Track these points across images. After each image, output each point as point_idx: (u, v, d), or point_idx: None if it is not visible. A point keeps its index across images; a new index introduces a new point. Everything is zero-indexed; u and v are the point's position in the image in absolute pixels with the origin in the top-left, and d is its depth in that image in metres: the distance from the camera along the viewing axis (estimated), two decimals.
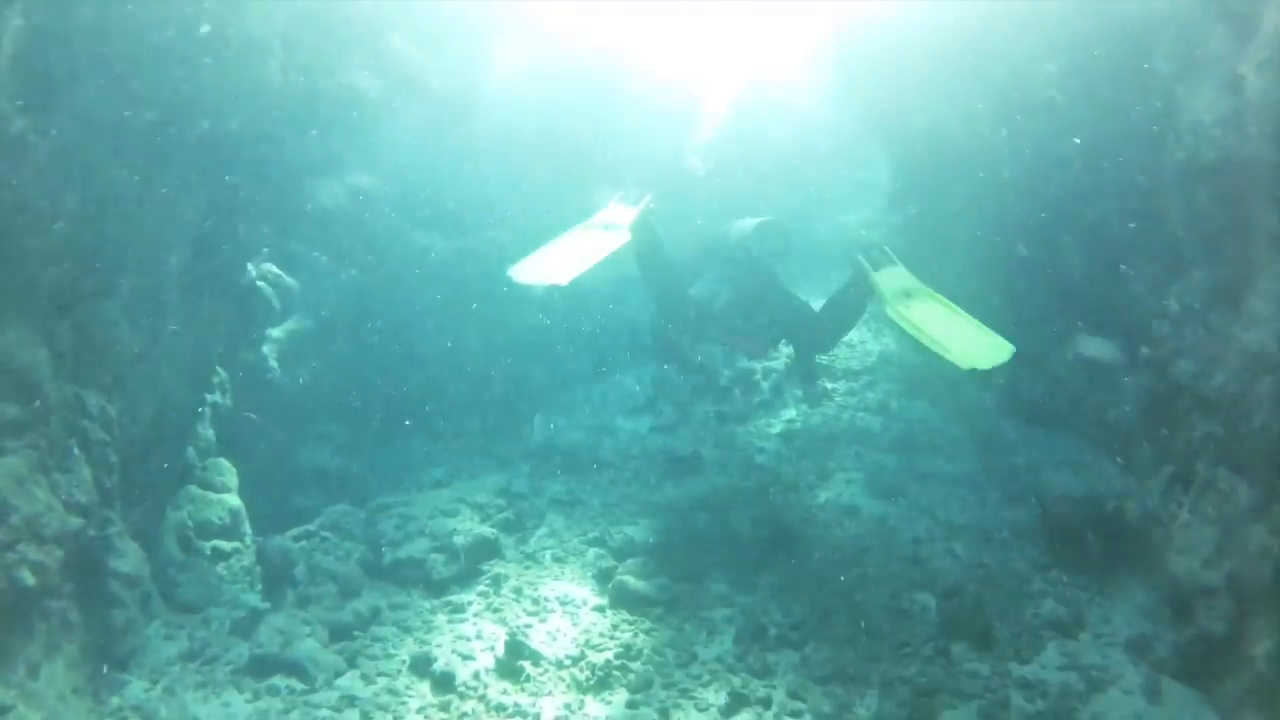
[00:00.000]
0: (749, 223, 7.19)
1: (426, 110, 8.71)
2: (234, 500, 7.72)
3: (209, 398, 8.31)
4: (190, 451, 7.80)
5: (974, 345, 5.67)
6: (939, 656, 5.77)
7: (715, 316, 7.13)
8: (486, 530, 7.02)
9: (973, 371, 5.57)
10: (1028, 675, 5.61)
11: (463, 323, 10.42)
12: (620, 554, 7.04)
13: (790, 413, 9.65)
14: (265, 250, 8.59)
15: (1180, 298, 6.03)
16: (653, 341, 8.60)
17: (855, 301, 6.95)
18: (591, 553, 7.17)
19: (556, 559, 7.09)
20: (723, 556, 7.01)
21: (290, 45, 7.05)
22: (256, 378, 9.20)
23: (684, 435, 9.39)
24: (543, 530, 7.57)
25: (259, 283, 8.73)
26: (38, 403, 5.03)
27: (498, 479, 8.23)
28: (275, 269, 9.38)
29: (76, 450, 5.36)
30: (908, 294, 6.02)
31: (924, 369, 9.93)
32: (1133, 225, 6.59)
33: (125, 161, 5.59)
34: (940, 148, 8.68)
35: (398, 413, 10.49)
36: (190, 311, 6.96)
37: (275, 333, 9.55)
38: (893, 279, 6.22)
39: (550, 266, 5.78)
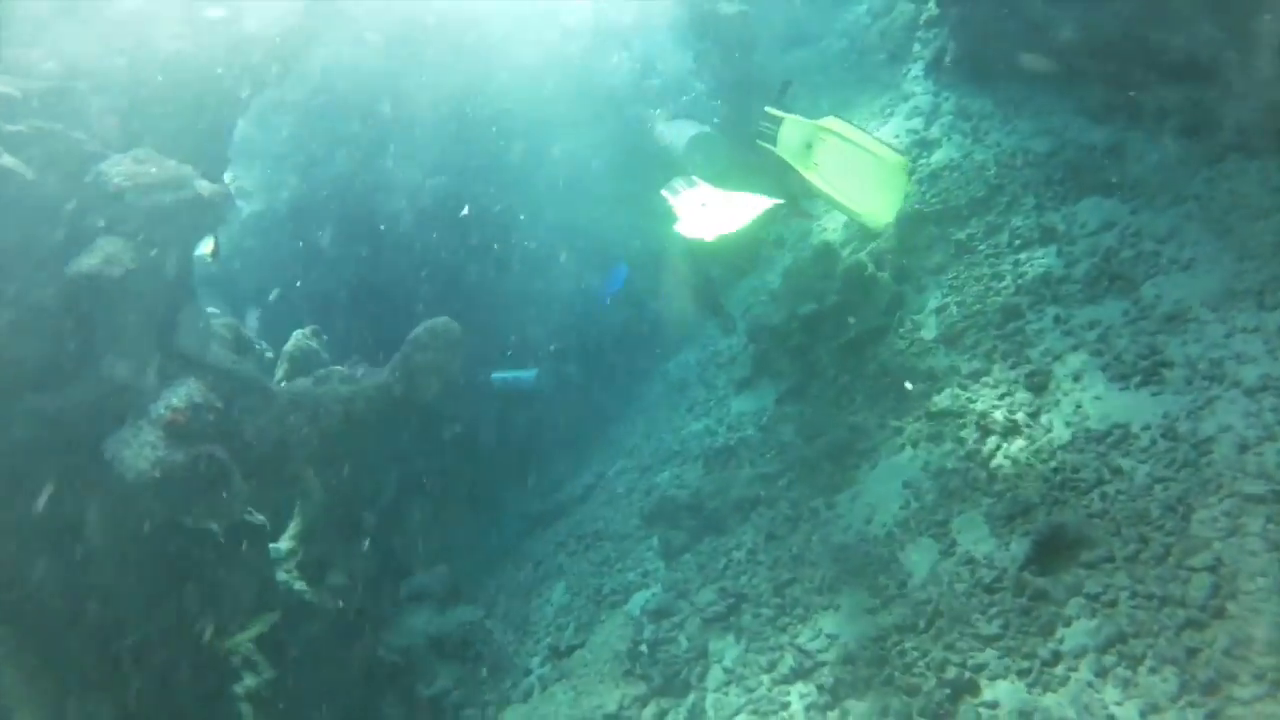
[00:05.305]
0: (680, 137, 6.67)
1: None
2: None
3: (236, 688, 6.23)
4: None
5: (874, 191, 5.79)
6: None
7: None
8: None
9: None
10: None
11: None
12: (837, 689, 4.59)
13: (936, 298, 6.82)
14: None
15: None
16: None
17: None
18: (795, 696, 4.75)
19: None
20: (986, 619, 4.50)
21: None
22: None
23: (820, 399, 6.84)
24: (715, 675, 5.18)
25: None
26: None
27: (624, 624, 5.81)
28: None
29: None
30: (808, 145, 5.91)
31: (1065, 151, 7.03)
32: None
33: None
34: None
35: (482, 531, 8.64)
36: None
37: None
38: (793, 134, 5.96)
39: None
